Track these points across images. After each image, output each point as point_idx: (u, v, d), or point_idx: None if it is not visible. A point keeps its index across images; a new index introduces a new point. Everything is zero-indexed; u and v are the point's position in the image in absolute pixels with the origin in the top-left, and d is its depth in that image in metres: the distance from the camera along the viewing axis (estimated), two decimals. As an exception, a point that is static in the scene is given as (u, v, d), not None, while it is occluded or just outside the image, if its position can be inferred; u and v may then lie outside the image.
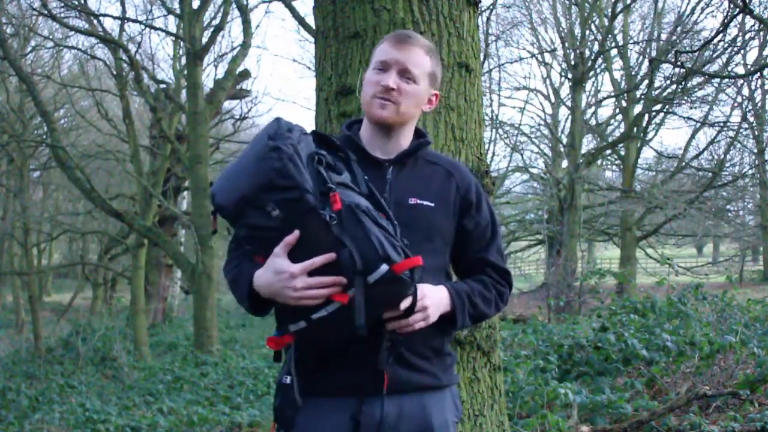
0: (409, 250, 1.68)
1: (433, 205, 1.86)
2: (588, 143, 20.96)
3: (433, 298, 1.76)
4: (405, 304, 1.68)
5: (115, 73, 15.03)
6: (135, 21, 16.28)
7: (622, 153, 19.46)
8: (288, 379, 1.72)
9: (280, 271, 1.62)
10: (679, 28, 16.77)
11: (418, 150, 1.92)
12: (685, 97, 17.63)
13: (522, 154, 21.06)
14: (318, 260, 1.60)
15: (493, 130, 17.45)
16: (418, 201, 1.85)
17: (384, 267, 1.58)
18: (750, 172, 19.74)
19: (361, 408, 1.74)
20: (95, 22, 14.22)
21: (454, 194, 1.91)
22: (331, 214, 1.59)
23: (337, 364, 1.74)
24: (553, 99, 21.39)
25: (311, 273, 1.61)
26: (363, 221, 1.61)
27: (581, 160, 17.68)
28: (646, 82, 17.50)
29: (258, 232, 1.66)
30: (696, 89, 17.49)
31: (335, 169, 1.70)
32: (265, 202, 1.61)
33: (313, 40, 3.97)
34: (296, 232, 1.61)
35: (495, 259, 1.96)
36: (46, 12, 12.66)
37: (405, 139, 1.93)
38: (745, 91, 18.35)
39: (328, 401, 1.75)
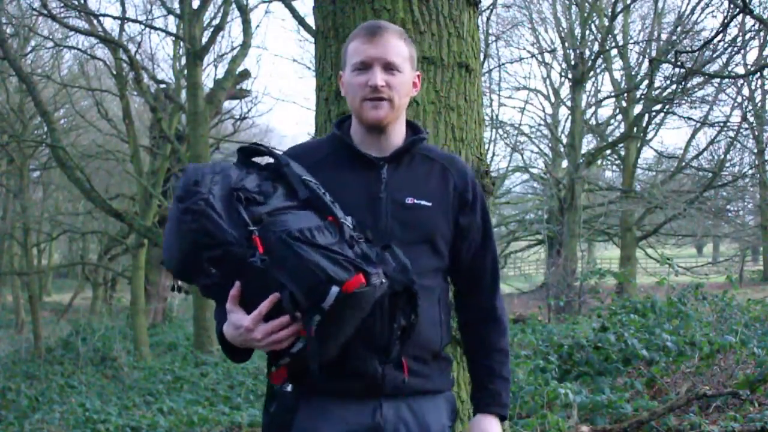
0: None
1: (430, 204, 1.81)
2: (588, 143, 20.98)
3: None
4: None
5: (115, 73, 15.03)
6: (135, 21, 16.29)
7: (622, 153, 19.46)
8: (289, 387, 1.69)
9: (237, 326, 1.60)
10: (679, 28, 16.78)
11: (414, 146, 1.86)
12: (685, 97, 17.63)
13: (522, 154, 21.08)
14: (264, 306, 1.56)
15: (493, 130, 17.47)
16: (415, 200, 1.80)
17: (334, 290, 1.52)
18: (750, 172, 19.74)
19: (360, 411, 1.72)
20: (95, 22, 14.21)
21: (451, 192, 1.85)
22: (262, 258, 1.53)
23: (336, 368, 1.70)
24: (553, 99, 21.39)
25: (268, 316, 1.57)
26: (298, 250, 1.53)
27: (581, 160, 17.68)
28: (646, 82, 17.50)
29: (210, 290, 1.64)
30: (696, 89, 17.50)
31: (262, 194, 1.62)
32: (200, 264, 1.58)
33: (313, 40, 3.97)
34: (237, 284, 1.58)
35: (497, 307, 1.93)
36: (46, 12, 12.65)
37: (398, 134, 1.86)
38: (745, 91, 18.36)
39: (327, 403, 1.73)
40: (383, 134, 1.83)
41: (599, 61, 18.36)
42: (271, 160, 1.75)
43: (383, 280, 1.59)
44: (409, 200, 1.80)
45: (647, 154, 21.94)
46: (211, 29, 14.72)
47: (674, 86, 16.19)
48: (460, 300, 1.96)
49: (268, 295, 1.56)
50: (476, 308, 1.93)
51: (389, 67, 1.78)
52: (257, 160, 1.78)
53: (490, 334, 1.92)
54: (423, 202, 1.80)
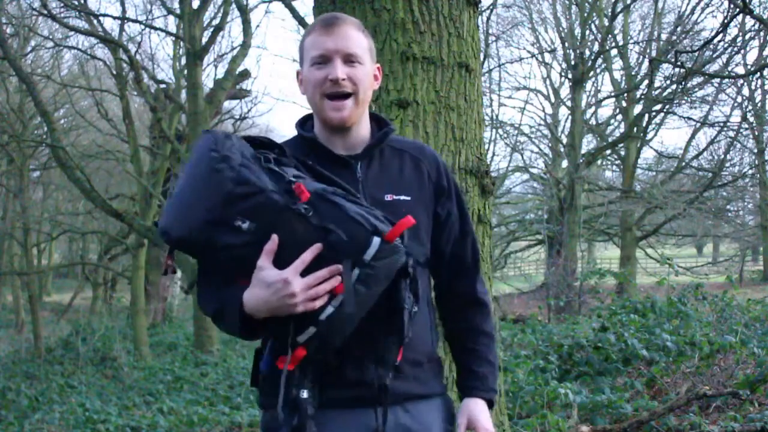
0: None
1: (409, 198, 1.75)
2: (588, 143, 21.00)
3: (487, 420, 1.81)
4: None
5: (115, 73, 15.03)
6: (135, 21, 16.30)
7: (622, 153, 19.47)
8: (305, 393, 1.58)
9: (272, 282, 1.48)
10: (679, 28, 16.79)
11: (384, 140, 1.79)
12: (685, 97, 17.64)
13: (522, 154, 21.08)
14: (307, 255, 1.48)
15: (493, 130, 17.44)
16: (395, 197, 1.74)
17: (377, 240, 1.48)
18: (750, 172, 19.76)
19: (360, 419, 1.67)
20: (95, 22, 14.22)
21: (427, 182, 1.80)
22: (304, 206, 1.48)
23: (341, 375, 1.65)
24: (553, 99, 21.40)
25: (303, 273, 1.49)
26: (338, 202, 1.50)
27: (581, 160, 17.69)
28: (646, 82, 17.51)
29: (233, 252, 1.51)
30: (696, 89, 17.51)
31: (284, 163, 1.58)
32: (231, 218, 1.48)
33: (313, 40, 3.97)
34: (274, 237, 1.49)
35: (480, 290, 1.90)
36: (46, 12, 12.64)
37: (364, 128, 1.79)
38: (745, 91, 18.40)
39: (326, 410, 1.65)
40: (349, 131, 1.76)
41: (599, 61, 18.37)
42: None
43: (406, 248, 1.56)
44: (389, 197, 1.74)
45: (647, 154, 21.99)
46: (211, 29, 14.73)
47: (674, 86, 16.21)
48: (442, 289, 1.91)
49: (301, 252, 1.49)
50: (459, 294, 1.90)
51: (350, 59, 1.70)
52: None
53: (475, 317, 1.89)
54: (402, 197, 1.75)
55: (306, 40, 1.75)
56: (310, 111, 1.82)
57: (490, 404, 1.85)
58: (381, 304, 1.59)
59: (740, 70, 17.82)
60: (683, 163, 19.14)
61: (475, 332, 1.89)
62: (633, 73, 18.83)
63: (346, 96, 1.71)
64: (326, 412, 1.64)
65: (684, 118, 18.87)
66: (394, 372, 1.68)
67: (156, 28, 17.13)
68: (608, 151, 20.26)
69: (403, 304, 1.59)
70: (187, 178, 1.54)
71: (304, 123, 1.83)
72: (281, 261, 1.50)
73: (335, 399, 1.66)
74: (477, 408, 1.82)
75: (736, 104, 18.15)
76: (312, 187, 1.53)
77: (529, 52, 21.16)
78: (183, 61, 16.68)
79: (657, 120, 19.25)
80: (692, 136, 19.43)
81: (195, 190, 1.51)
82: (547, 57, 20.29)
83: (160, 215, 1.62)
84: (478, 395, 1.84)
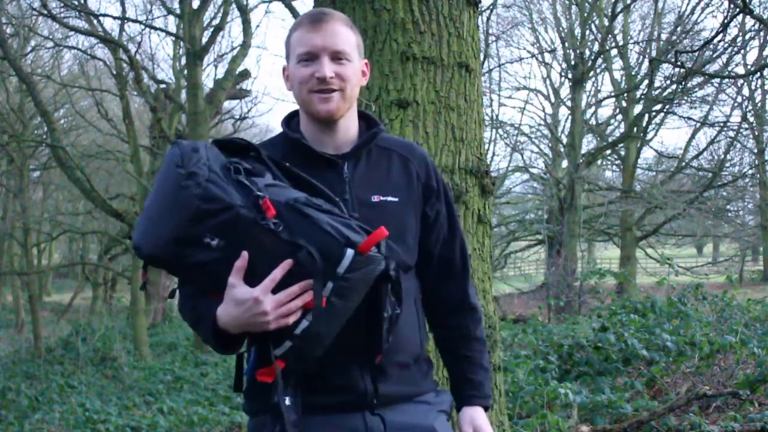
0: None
1: (397, 199, 1.72)
2: (588, 143, 21.00)
3: (489, 427, 1.83)
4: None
5: (115, 73, 15.05)
6: (135, 21, 16.34)
7: (622, 153, 19.48)
8: (288, 401, 1.55)
9: (243, 301, 1.47)
10: (679, 28, 16.80)
11: (373, 140, 1.75)
12: (685, 97, 17.64)
13: (522, 154, 21.08)
14: (277, 273, 1.46)
15: (493, 130, 17.45)
16: (382, 198, 1.70)
17: (350, 252, 1.45)
18: (750, 172, 19.76)
19: (345, 425, 1.64)
20: (95, 22, 14.24)
21: (415, 183, 1.76)
22: (274, 221, 1.45)
23: (325, 381, 1.63)
24: (553, 99, 21.40)
25: (275, 290, 1.47)
26: (309, 214, 1.47)
27: (581, 160, 17.69)
28: (646, 82, 17.52)
29: (204, 268, 1.49)
30: (696, 89, 17.51)
31: (256, 172, 1.53)
32: (200, 235, 1.45)
33: (313, 40, 3.97)
34: (244, 254, 1.46)
35: (471, 294, 1.88)
36: (46, 12, 12.66)
37: (352, 127, 1.75)
38: (745, 91, 18.39)
39: (310, 417, 1.61)
40: (336, 128, 1.72)
41: (599, 61, 18.38)
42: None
43: (385, 255, 1.53)
44: (376, 198, 1.70)
45: (647, 154, 22.00)
46: (211, 29, 14.77)
47: (674, 86, 16.21)
48: (432, 293, 1.86)
49: (272, 268, 1.46)
50: (449, 298, 1.86)
51: (337, 57, 1.67)
52: None
53: (467, 323, 1.87)
54: (390, 198, 1.71)
55: (293, 35, 1.71)
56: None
57: (486, 409, 1.88)
58: (362, 309, 1.56)
59: (740, 70, 17.83)
60: (683, 163, 19.14)
61: (468, 339, 1.87)
62: (633, 73, 18.83)
63: (333, 91, 1.68)
64: (312, 417, 1.61)
65: (684, 118, 18.89)
66: (380, 375, 1.66)
67: (156, 28, 17.19)
68: (608, 151, 20.27)
69: (383, 311, 1.57)
70: (155, 193, 1.52)
71: (290, 120, 1.79)
72: (253, 276, 1.48)
73: (321, 405, 1.63)
74: (477, 415, 1.84)
75: (736, 104, 18.18)
76: (284, 197, 1.49)
77: (529, 52, 21.19)
78: (183, 61, 16.71)
79: (657, 120, 19.27)
80: (692, 136, 19.47)
81: (162, 208, 1.49)
82: (547, 57, 20.33)
83: (134, 229, 1.60)
84: (477, 403, 1.85)
